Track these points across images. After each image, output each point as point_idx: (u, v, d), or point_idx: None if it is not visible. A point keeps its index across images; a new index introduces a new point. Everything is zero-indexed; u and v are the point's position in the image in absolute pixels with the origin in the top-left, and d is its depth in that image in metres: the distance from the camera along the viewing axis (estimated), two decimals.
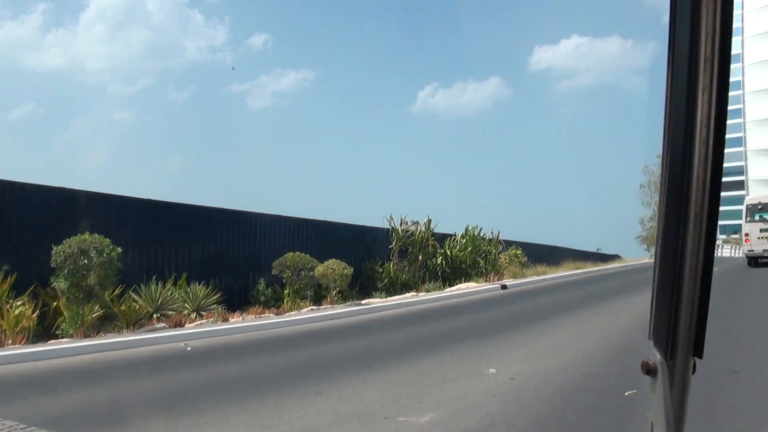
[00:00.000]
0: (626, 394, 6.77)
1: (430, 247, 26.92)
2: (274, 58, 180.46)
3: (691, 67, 1.46)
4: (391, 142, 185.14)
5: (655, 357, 1.62)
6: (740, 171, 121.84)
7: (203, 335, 13.07)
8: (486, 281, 26.53)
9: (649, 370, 1.63)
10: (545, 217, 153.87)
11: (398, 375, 8.85)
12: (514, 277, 29.02)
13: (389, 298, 20.18)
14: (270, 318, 15.53)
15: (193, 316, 15.72)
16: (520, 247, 35.00)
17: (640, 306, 16.64)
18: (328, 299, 18.88)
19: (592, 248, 57.29)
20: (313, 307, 17.26)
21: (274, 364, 10.33)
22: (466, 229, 30.63)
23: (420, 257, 26.25)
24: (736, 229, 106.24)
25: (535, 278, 27.23)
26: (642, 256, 56.20)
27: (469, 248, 29.62)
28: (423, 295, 20.87)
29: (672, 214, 1.53)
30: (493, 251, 31.62)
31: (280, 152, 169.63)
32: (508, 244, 34.53)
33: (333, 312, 16.44)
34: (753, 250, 32.40)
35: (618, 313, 15.38)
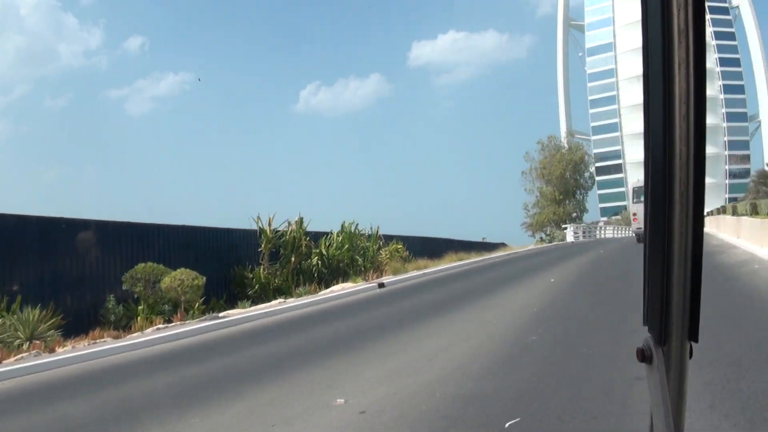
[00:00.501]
0: (506, 425, 5.58)
1: (303, 248, 25.32)
2: (151, 61, 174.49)
3: (665, 41, 1.43)
4: (276, 143, 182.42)
5: (650, 343, 1.56)
6: (617, 155, 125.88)
7: (16, 373, 10.86)
8: (364, 280, 25.03)
9: (645, 358, 1.57)
10: (432, 211, 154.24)
11: (221, 417, 7.06)
12: (396, 273, 27.66)
13: (252, 308, 18.21)
14: (107, 343, 13.38)
15: (26, 345, 13.48)
16: (401, 241, 33.73)
17: (526, 298, 15.61)
18: (178, 315, 16.77)
19: (478, 238, 57.07)
20: (160, 326, 15.11)
21: (74, 412, 8.31)
22: (342, 226, 29.08)
23: (293, 259, 24.60)
24: (617, 210, 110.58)
25: (416, 273, 25.82)
26: (528, 243, 56.22)
27: (346, 246, 28.18)
28: (292, 301, 19.03)
29: (657, 197, 1.50)
30: (372, 247, 30.27)
31: (162, 158, 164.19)
32: (389, 239, 33.26)
33: (183, 330, 14.38)
34: (641, 228, 33.91)
35: (502, 309, 13.96)
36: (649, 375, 1.57)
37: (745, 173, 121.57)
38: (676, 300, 1.48)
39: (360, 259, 28.74)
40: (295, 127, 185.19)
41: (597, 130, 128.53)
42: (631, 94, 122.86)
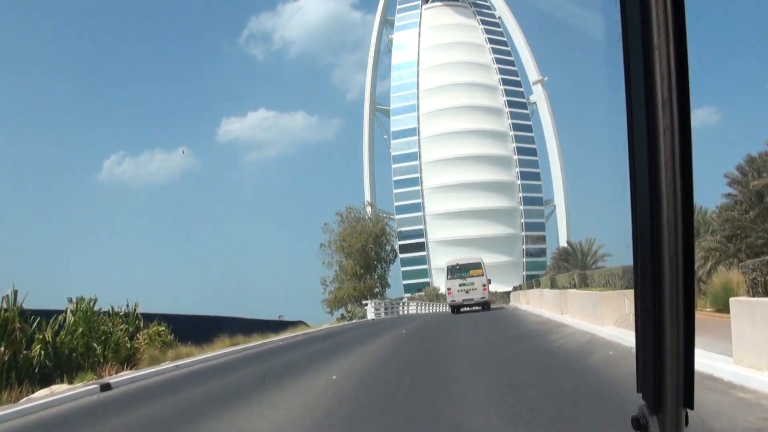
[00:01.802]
0: None
1: (17, 334, 17.70)
2: None
3: (645, 53, 1.46)
4: (71, 214, 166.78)
5: (644, 411, 1.53)
6: (420, 234, 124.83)
7: None
8: (97, 376, 18.05)
9: (640, 426, 1.53)
10: (236, 288, 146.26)
11: None
12: (152, 363, 20.88)
13: None
14: None
15: None
16: (166, 321, 26.48)
17: (287, 414, 9.93)
18: None
19: (276, 316, 50.41)
20: None
21: None
22: (77, 303, 21.57)
23: (2, 349, 16.92)
24: (420, 287, 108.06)
25: (167, 366, 19.00)
26: (322, 321, 50.06)
27: (80, 330, 20.73)
28: None
29: (646, 266, 1.46)
30: (117, 331, 23.01)
31: None
32: (150, 318, 25.93)
33: None
34: (455, 300, 37.83)
35: None
36: None
37: (542, 252, 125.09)
38: (670, 367, 1.44)
39: (99, 348, 21.38)
40: (96, 199, 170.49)
41: (401, 209, 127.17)
42: (433, 176, 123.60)
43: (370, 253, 49.76)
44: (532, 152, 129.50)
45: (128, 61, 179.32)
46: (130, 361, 22.89)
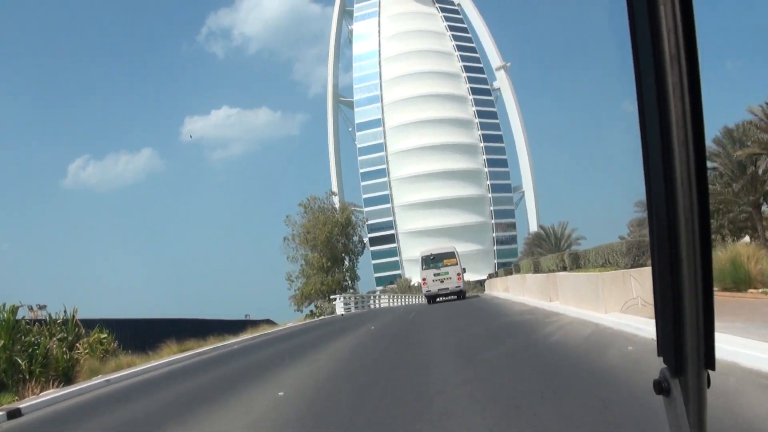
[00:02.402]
0: None
1: None
2: None
3: (657, 66, 1.41)
4: (36, 221, 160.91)
5: (666, 375, 1.52)
6: (390, 225, 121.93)
7: None
8: (18, 397, 15.05)
9: (662, 390, 1.53)
10: (205, 289, 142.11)
11: None
12: (93, 375, 17.63)
13: None
14: None
15: None
16: (111, 327, 23.21)
17: None
18: None
19: (242, 315, 46.93)
20: None
21: None
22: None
23: None
24: (392, 279, 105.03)
25: (97, 381, 15.71)
26: (292, 318, 46.67)
27: (1, 343, 17.31)
28: None
29: (661, 225, 1.44)
30: (49, 342, 19.61)
31: None
32: (90, 325, 22.65)
33: None
34: (430, 290, 37.39)
35: None
36: (668, 407, 1.50)
37: (512, 239, 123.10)
38: (690, 329, 1.42)
39: (23, 362, 18.03)
40: (61, 204, 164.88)
41: (369, 201, 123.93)
42: (400, 167, 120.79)
43: (336, 245, 45.93)
44: (498, 139, 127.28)
45: (88, 63, 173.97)
46: (68, 374, 19.70)
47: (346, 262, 47.26)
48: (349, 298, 42.50)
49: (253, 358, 17.73)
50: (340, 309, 39.59)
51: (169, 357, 20.40)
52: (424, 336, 16.65)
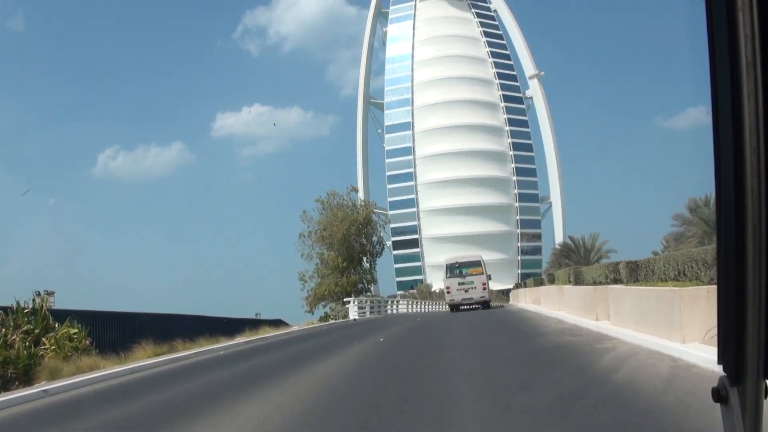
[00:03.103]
0: None
1: None
2: None
3: (733, 72, 1.38)
4: (66, 208, 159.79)
5: (725, 383, 1.48)
6: (414, 230, 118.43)
7: None
8: None
9: (720, 398, 1.49)
10: (228, 285, 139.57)
11: None
12: (51, 376, 14.92)
13: None
14: None
15: None
16: (86, 322, 20.29)
17: None
18: None
19: (260, 314, 43.52)
20: None
21: None
22: None
23: None
24: (414, 284, 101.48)
25: (33, 391, 12.49)
26: (304, 319, 43.15)
27: None
28: None
29: (729, 233, 1.41)
30: (7, 333, 16.71)
31: None
32: (61, 316, 19.75)
33: None
34: (454, 299, 35.71)
35: None
36: (725, 415, 1.46)
37: (537, 250, 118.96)
38: (751, 338, 1.39)
39: None
40: (89, 193, 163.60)
41: (394, 204, 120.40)
42: (427, 172, 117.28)
43: (353, 244, 42.13)
44: (528, 148, 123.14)
45: (124, 55, 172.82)
46: (28, 373, 16.57)
47: (364, 263, 43.54)
48: (365, 302, 38.92)
49: (231, 370, 14.25)
50: (353, 313, 36.03)
51: (138, 362, 17.05)
52: (441, 356, 13.05)
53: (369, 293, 45.17)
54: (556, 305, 21.09)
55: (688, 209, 48.55)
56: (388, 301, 49.80)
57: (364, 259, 42.84)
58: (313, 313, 41.30)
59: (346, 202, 42.60)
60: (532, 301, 30.51)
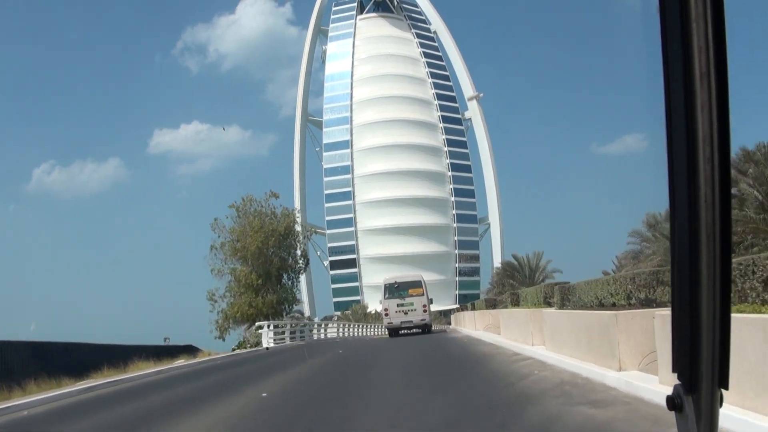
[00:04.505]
0: None
1: None
2: None
3: (686, 82, 1.37)
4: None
5: (680, 391, 1.46)
6: (352, 250, 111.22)
7: None
8: None
9: (675, 406, 1.46)
10: (160, 309, 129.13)
11: None
12: None
13: None
14: None
15: None
16: None
17: None
18: None
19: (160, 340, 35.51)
20: None
21: None
22: None
23: None
24: (349, 305, 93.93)
25: None
26: (218, 349, 35.12)
27: None
28: None
29: (683, 241, 1.40)
30: None
31: None
32: None
33: None
34: (392, 323, 31.68)
35: None
36: (679, 423, 1.45)
37: (475, 271, 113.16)
38: (705, 347, 1.37)
39: None
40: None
41: (332, 224, 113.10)
42: (366, 191, 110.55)
43: (272, 258, 33.94)
44: (467, 169, 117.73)
45: (61, 67, 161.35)
46: None
47: (285, 281, 35.14)
48: (284, 327, 31.19)
49: None
50: (267, 341, 28.28)
51: None
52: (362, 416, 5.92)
53: (290, 315, 37.09)
54: (529, 337, 14.10)
55: (646, 225, 43.08)
56: (315, 325, 42.21)
57: (285, 276, 34.64)
58: (224, 339, 33.27)
59: (265, 210, 34.39)
60: (483, 328, 23.58)
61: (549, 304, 14.71)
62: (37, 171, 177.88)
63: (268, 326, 28.98)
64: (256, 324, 29.26)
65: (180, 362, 21.38)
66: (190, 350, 32.87)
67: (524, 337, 14.96)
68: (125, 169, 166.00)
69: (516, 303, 17.94)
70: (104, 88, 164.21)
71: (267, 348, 27.14)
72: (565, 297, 12.59)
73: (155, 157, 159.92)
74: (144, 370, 18.91)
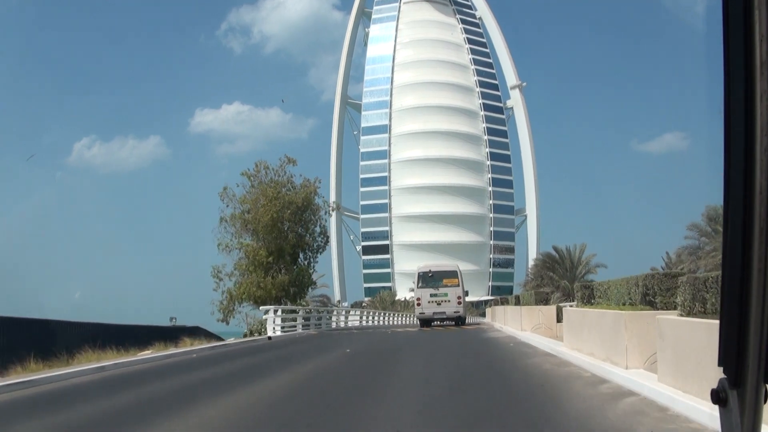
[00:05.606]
0: None
1: None
2: None
3: (747, 73, 1.32)
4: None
5: (725, 385, 1.40)
6: (385, 235, 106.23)
7: None
8: None
9: (719, 400, 1.41)
10: (191, 287, 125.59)
11: None
12: None
13: None
14: None
15: None
16: None
17: None
18: None
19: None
20: None
21: None
22: None
23: None
24: (375, 292, 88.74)
25: None
26: (233, 332, 30.43)
27: None
28: None
29: (735, 235, 1.35)
30: None
31: None
32: None
33: None
34: (424, 313, 29.22)
35: None
36: (723, 417, 1.40)
37: (509, 263, 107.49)
38: (753, 342, 1.33)
39: None
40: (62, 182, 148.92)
41: (366, 209, 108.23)
42: (401, 177, 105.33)
43: (286, 234, 28.58)
44: (506, 158, 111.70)
45: (108, 46, 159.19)
46: None
47: (300, 260, 29.60)
48: (293, 313, 26.20)
49: None
50: (272, 328, 23.33)
51: None
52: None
53: (307, 300, 31.93)
54: (622, 354, 8.74)
55: (706, 218, 37.33)
56: (334, 312, 37.19)
57: (301, 255, 29.30)
58: (227, 323, 28.41)
59: (281, 178, 28.86)
60: (531, 329, 18.37)
61: (651, 304, 9.45)
62: (78, 144, 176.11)
63: (275, 311, 24.02)
64: (262, 308, 24.32)
65: (169, 351, 16.44)
66: (194, 332, 28.31)
67: (609, 353, 9.71)
68: (165, 147, 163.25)
69: (588, 300, 12.65)
70: (148, 67, 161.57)
71: (269, 338, 22.18)
72: (696, 296, 7.34)
73: (196, 136, 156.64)
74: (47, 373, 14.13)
